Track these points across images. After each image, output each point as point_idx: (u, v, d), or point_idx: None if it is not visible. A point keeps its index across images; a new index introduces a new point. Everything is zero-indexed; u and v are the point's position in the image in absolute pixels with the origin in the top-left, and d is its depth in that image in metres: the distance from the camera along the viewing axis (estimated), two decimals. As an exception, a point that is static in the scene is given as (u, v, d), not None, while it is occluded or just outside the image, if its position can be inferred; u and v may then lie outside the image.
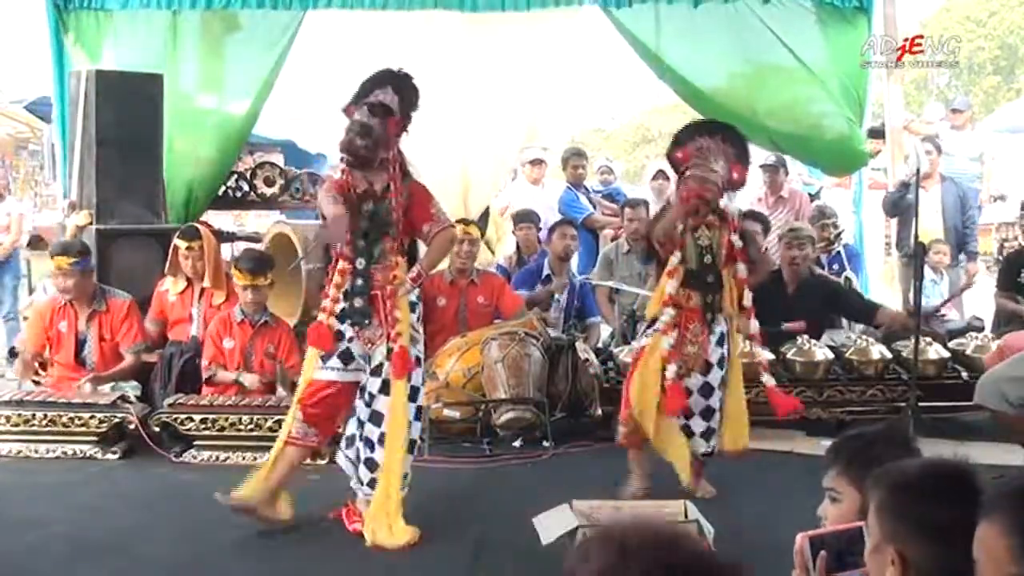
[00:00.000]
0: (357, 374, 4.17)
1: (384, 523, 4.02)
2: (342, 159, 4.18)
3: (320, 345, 4.13)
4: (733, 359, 4.61)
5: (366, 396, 4.17)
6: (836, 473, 2.23)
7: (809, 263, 6.31)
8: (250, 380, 5.53)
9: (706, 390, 4.53)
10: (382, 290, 4.11)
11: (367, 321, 4.12)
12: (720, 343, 4.53)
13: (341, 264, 4.14)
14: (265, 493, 4.13)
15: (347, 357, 4.15)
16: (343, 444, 4.35)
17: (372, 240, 4.12)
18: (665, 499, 3.99)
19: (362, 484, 4.20)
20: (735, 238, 4.49)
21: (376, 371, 4.15)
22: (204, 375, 5.59)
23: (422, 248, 4.37)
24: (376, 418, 4.13)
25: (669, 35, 7.37)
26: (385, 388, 4.11)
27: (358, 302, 4.11)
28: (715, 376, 4.53)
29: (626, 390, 4.55)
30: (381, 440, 4.10)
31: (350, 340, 4.14)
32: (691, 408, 4.52)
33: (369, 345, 4.14)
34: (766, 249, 4.82)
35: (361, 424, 4.19)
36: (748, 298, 4.51)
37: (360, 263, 4.12)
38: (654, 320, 4.53)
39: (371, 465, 4.15)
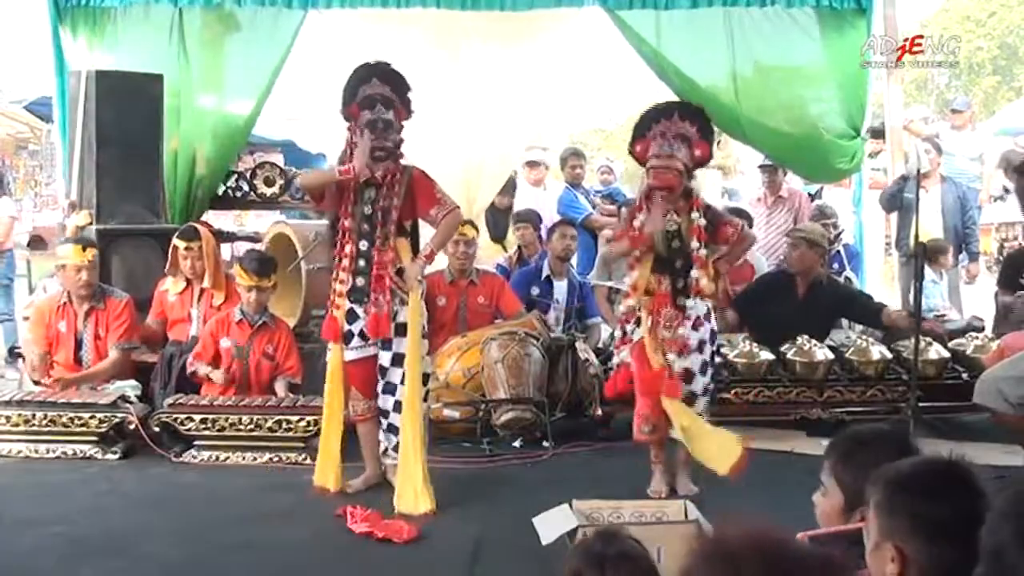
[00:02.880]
0: (376, 347, 4.56)
1: (410, 488, 4.37)
2: (375, 156, 4.42)
3: (330, 336, 4.55)
4: None
5: (378, 368, 4.57)
6: (827, 466, 2.28)
7: (818, 266, 6.28)
8: (216, 376, 5.52)
9: (687, 376, 4.47)
10: (385, 270, 4.44)
11: (366, 299, 4.46)
12: (696, 327, 4.47)
13: (347, 247, 4.48)
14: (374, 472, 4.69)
15: (364, 334, 4.52)
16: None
17: (374, 224, 4.44)
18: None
19: (386, 451, 4.67)
20: (696, 215, 4.41)
21: (386, 345, 4.53)
22: (188, 371, 5.58)
23: (424, 233, 4.77)
24: (389, 388, 4.57)
25: (669, 36, 7.38)
26: (396, 360, 4.53)
27: (360, 281, 4.47)
28: (695, 360, 4.47)
29: (642, 387, 4.50)
30: (395, 407, 4.55)
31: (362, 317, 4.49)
32: (695, 390, 4.49)
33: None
34: (742, 226, 4.79)
35: (377, 395, 4.61)
36: (704, 281, 4.41)
37: (363, 245, 4.47)
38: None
39: (393, 430, 4.59)
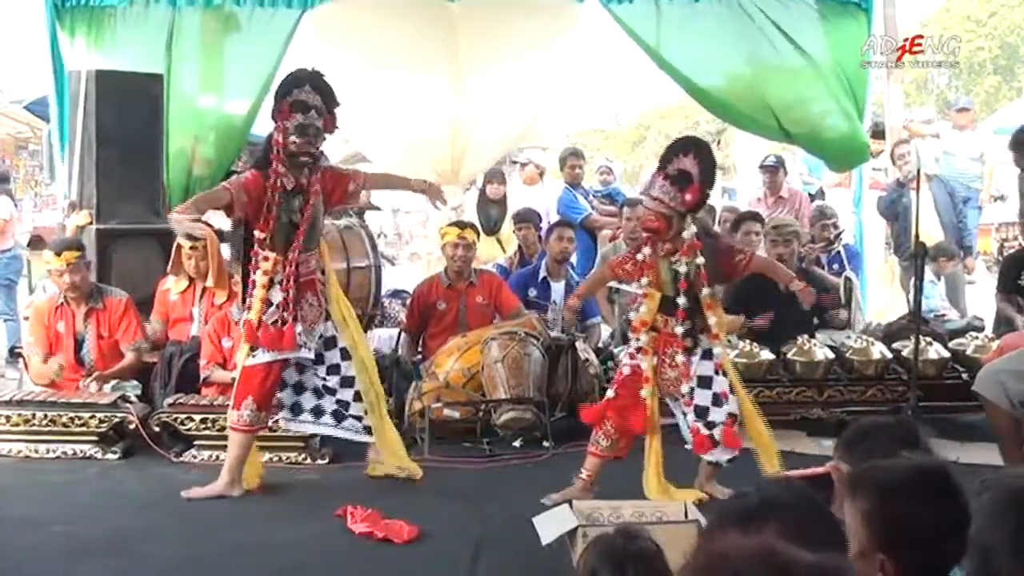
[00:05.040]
0: (286, 352, 4.55)
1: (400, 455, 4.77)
2: (295, 160, 4.47)
3: (286, 346, 4.49)
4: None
5: (325, 367, 4.69)
6: (835, 455, 2.32)
7: (796, 258, 6.26)
8: None
9: (718, 400, 4.40)
10: (312, 275, 4.55)
11: (298, 306, 4.51)
12: (707, 357, 4.40)
13: (268, 255, 4.46)
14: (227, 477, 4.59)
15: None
16: (287, 414, 4.80)
17: (300, 231, 4.49)
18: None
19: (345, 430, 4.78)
20: (699, 259, 4.32)
21: (330, 344, 4.67)
22: (203, 374, 5.57)
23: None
24: (348, 381, 4.71)
25: (670, 31, 7.38)
26: (344, 354, 4.68)
27: (290, 291, 4.48)
28: (720, 384, 4.40)
29: (617, 409, 4.44)
30: (356, 397, 4.71)
31: (283, 324, 4.47)
32: (714, 420, 4.40)
33: (311, 325, 4.57)
34: (752, 253, 4.79)
35: (329, 391, 4.73)
36: (714, 321, 4.39)
37: (291, 254, 4.48)
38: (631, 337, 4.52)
39: (357, 419, 4.74)
